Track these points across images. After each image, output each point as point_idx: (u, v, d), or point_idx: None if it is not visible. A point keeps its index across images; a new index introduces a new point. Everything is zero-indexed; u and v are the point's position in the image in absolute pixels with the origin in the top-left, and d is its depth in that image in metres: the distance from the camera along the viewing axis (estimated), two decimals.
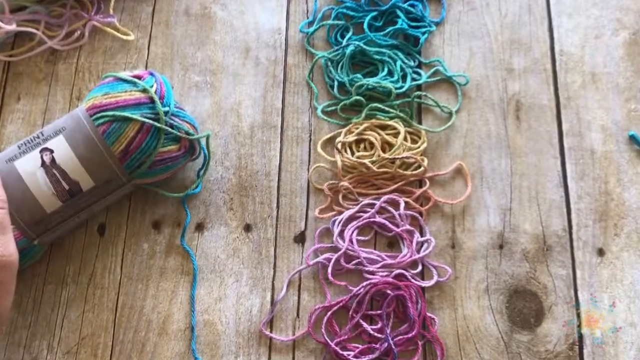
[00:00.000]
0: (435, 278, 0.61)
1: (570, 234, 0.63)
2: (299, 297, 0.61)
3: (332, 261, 0.61)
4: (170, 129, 0.57)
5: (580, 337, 0.60)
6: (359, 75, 0.68)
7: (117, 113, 0.55)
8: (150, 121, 0.56)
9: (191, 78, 0.69)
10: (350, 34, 0.70)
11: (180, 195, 0.63)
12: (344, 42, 0.69)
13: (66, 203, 0.56)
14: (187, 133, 0.58)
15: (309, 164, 0.66)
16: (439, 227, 0.64)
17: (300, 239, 0.64)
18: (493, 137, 0.67)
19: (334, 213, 0.64)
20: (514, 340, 0.60)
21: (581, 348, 0.59)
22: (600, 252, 0.63)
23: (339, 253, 0.61)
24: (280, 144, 0.67)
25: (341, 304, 0.60)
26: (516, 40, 0.71)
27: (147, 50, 0.70)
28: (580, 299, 0.61)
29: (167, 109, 0.57)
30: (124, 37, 0.70)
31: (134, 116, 0.55)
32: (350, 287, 0.60)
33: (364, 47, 0.68)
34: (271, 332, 0.60)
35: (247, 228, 0.64)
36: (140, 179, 0.59)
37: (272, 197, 0.65)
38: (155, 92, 0.57)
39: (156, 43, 0.71)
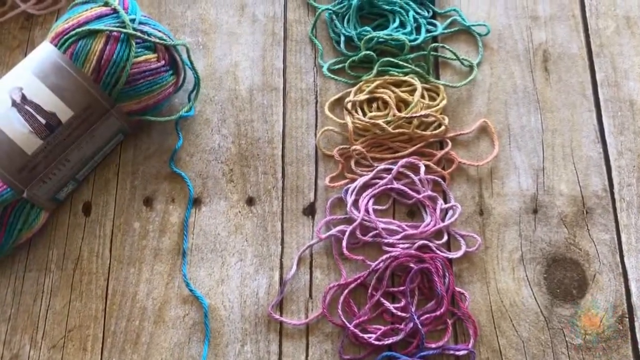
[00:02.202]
0: (464, 248, 0.54)
1: (612, 194, 0.57)
2: (311, 276, 0.55)
3: (347, 234, 0.54)
4: (140, 35, 0.52)
5: (631, 308, 0.53)
6: (367, 28, 0.61)
7: (81, 29, 0.51)
8: (117, 28, 0.51)
9: (182, 40, 0.62)
10: None
11: (172, 118, 0.56)
12: None
13: (47, 140, 0.51)
14: (160, 39, 0.53)
15: (316, 128, 0.59)
16: (464, 192, 0.57)
17: (310, 211, 0.57)
18: (520, 92, 0.60)
19: (346, 181, 0.57)
20: (555, 314, 0.53)
21: (632, 320, 0.53)
22: None
23: (354, 225, 0.54)
24: (283, 108, 0.60)
25: (359, 281, 0.53)
26: None
27: None
28: (628, 266, 0.54)
29: (133, 16, 0.53)
30: None
31: (98, 27, 0.51)
32: (369, 262, 0.54)
33: None
34: (281, 315, 0.53)
35: (250, 201, 0.57)
36: (124, 101, 0.53)
37: (277, 166, 0.58)
38: (118, 4, 0.52)
39: (142, 2, 0.64)
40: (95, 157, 0.56)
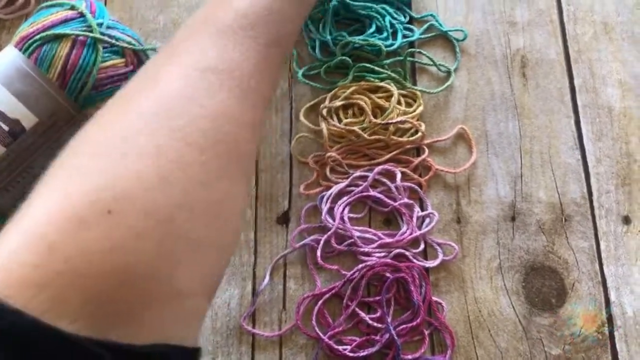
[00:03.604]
0: (441, 257, 0.53)
1: (591, 201, 0.56)
2: (284, 286, 0.53)
3: (322, 242, 0.53)
4: (108, 39, 0.51)
5: (610, 317, 0.52)
6: (343, 33, 0.60)
7: (45, 33, 0.50)
8: (83, 32, 0.50)
9: (152, 44, 0.61)
10: None
11: None
12: None
13: (10, 147, 0.49)
14: (129, 43, 0.52)
15: (290, 135, 0.58)
16: (441, 200, 0.56)
17: (284, 219, 0.55)
18: (497, 98, 0.59)
19: (321, 189, 0.56)
20: (534, 324, 0.52)
21: (611, 330, 0.52)
22: (626, 220, 0.55)
23: (329, 233, 0.53)
24: None
25: (333, 291, 0.52)
26: None
27: None
28: (607, 274, 0.53)
29: (100, 20, 0.52)
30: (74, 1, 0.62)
31: (64, 31, 0.50)
32: (344, 272, 0.52)
33: (348, 0, 0.60)
34: (254, 327, 0.52)
35: None
36: (91, 107, 0.52)
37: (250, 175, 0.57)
38: (85, 8, 0.51)
39: (112, 7, 0.63)
40: None
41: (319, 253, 0.53)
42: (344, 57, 0.58)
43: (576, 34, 0.62)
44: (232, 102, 0.35)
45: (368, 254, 0.53)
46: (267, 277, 0.53)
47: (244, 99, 0.36)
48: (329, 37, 0.60)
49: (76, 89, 0.50)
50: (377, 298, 0.52)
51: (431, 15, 0.62)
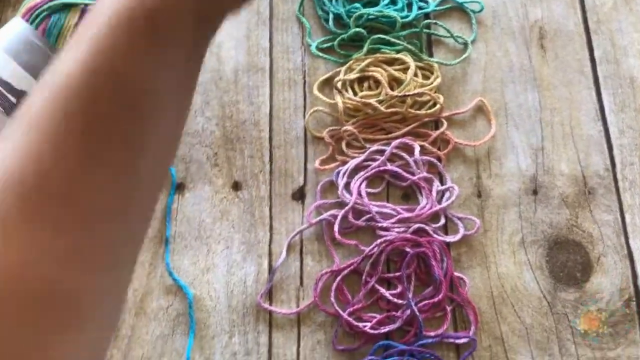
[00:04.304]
0: (462, 232, 0.52)
1: (614, 173, 0.54)
2: (301, 263, 0.52)
3: (339, 218, 0.51)
4: None
5: (637, 291, 0.51)
6: (357, 5, 0.58)
7: (53, 3, 0.48)
8: (92, 1, 0.47)
9: None
10: None
11: None
12: None
13: None
14: None
15: (304, 110, 0.56)
16: (461, 174, 0.54)
17: (300, 195, 0.54)
18: (516, 69, 0.58)
19: (337, 164, 0.54)
20: (559, 299, 0.50)
21: (639, 304, 0.50)
22: None
23: (346, 208, 0.52)
24: (270, 89, 0.57)
25: (352, 267, 0.50)
26: None
27: None
28: (633, 247, 0.52)
29: None
30: None
31: (72, 0, 0.48)
32: (362, 247, 0.51)
33: None
34: (271, 304, 0.50)
35: (236, 186, 0.54)
36: None
37: (264, 149, 0.55)
38: None
39: None
40: None
41: (336, 228, 0.51)
42: (358, 29, 0.57)
43: (595, 5, 0.60)
44: None
45: (387, 229, 0.51)
46: (284, 254, 0.51)
47: None
48: (342, 10, 0.58)
49: None
50: (397, 274, 0.50)
51: None
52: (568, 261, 0.52)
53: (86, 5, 0.48)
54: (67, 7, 0.48)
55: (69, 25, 0.48)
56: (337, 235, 0.51)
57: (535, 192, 0.54)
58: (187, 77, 0.28)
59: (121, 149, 0.25)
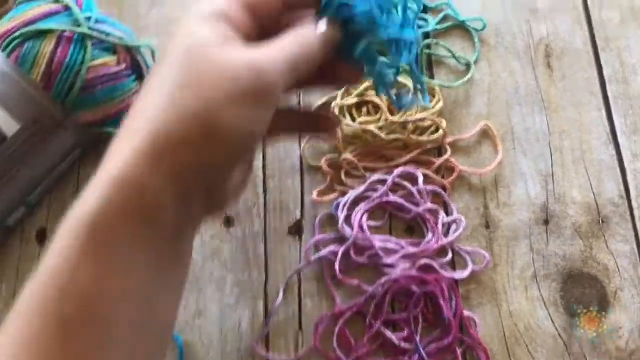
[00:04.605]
0: (471, 267, 0.48)
1: (629, 200, 0.51)
2: (300, 305, 0.48)
3: (340, 255, 0.48)
4: (97, 35, 0.46)
5: None
6: None
7: (27, 29, 0.44)
8: (70, 28, 0.44)
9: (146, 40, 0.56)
10: None
11: None
12: None
13: None
14: (121, 39, 0.47)
15: (300, 137, 0.53)
16: (467, 203, 0.51)
17: (297, 230, 0.50)
18: (522, 91, 0.55)
19: (336, 195, 0.51)
20: (575, 338, 0.47)
21: None
22: None
23: (347, 244, 0.48)
24: None
25: (355, 309, 0.47)
26: None
27: None
28: None
29: (88, 14, 0.47)
30: None
31: (48, 26, 0.45)
32: (365, 287, 0.47)
33: None
34: (267, 350, 0.47)
35: (228, 222, 0.50)
36: (80, 111, 0.47)
37: (257, 180, 0.52)
38: (71, 1, 0.45)
39: (99, 2, 0.57)
40: (50, 177, 0.49)
41: (337, 267, 0.48)
42: None
43: (602, 21, 0.57)
44: None
45: (391, 266, 0.48)
46: (281, 295, 0.48)
47: None
48: None
49: (63, 90, 0.45)
50: (404, 315, 0.47)
51: (446, 4, 0.57)
52: (583, 296, 0.48)
53: (63, 32, 0.45)
54: (42, 34, 0.44)
55: (44, 53, 0.44)
56: (338, 274, 0.47)
57: (546, 222, 0.51)
58: (154, 283, 0.28)
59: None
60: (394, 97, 0.37)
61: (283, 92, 0.30)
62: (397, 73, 0.36)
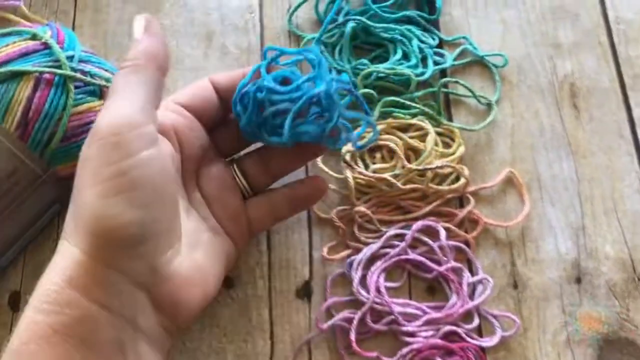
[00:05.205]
0: (499, 333, 0.44)
1: None
2: None
3: (355, 322, 0.43)
4: (81, 76, 0.41)
5: None
6: (364, 61, 0.50)
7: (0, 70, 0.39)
8: (49, 69, 0.39)
9: None
10: (346, 6, 0.52)
11: None
12: (341, 19, 0.51)
13: None
14: (108, 81, 0.42)
15: None
16: (493, 260, 0.47)
17: (305, 292, 0.45)
18: (547, 133, 0.51)
19: (348, 252, 0.46)
20: None
21: None
22: None
23: (364, 309, 0.43)
24: None
25: None
26: (559, 7, 0.55)
27: None
28: None
29: (70, 52, 0.41)
30: (36, 27, 0.50)
31: (24, 67, 0.39)
32: (384, 359, 0.42)
33: (368, 22, 0.50)
34: None
35: (228, 283, 0.45)
36: (61, 164, 0.41)
37: (261, 235, 0.46)
38: (51, 37, 0.40)
39: (82, 33, 0.52)
40: (25, 235, 0.43)
41: (353, 335, 0.42)
42: (367, 90, 0.49)
43: (629, 57, 0.53)
44: None
45: (412, 334, 0.43)
46: None
47: None
48: (347, 66, 0.50)
49: (42, 141, 0.39)
50: None
51: (464, 37, 0.53)
52: None
53: (41, 73, 0.39)
54: (17, 76, 0.39)
55: (20, 98, 0.39)
56: (353, 344, 0.42)
57: (578, 281, 0.46)
58: None
59: None
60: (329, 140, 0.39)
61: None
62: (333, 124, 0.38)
